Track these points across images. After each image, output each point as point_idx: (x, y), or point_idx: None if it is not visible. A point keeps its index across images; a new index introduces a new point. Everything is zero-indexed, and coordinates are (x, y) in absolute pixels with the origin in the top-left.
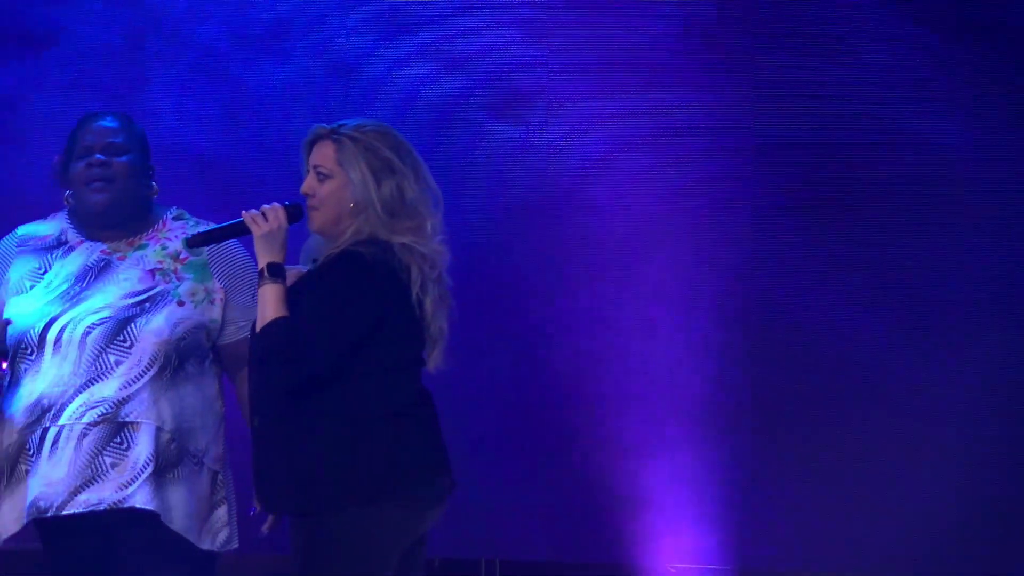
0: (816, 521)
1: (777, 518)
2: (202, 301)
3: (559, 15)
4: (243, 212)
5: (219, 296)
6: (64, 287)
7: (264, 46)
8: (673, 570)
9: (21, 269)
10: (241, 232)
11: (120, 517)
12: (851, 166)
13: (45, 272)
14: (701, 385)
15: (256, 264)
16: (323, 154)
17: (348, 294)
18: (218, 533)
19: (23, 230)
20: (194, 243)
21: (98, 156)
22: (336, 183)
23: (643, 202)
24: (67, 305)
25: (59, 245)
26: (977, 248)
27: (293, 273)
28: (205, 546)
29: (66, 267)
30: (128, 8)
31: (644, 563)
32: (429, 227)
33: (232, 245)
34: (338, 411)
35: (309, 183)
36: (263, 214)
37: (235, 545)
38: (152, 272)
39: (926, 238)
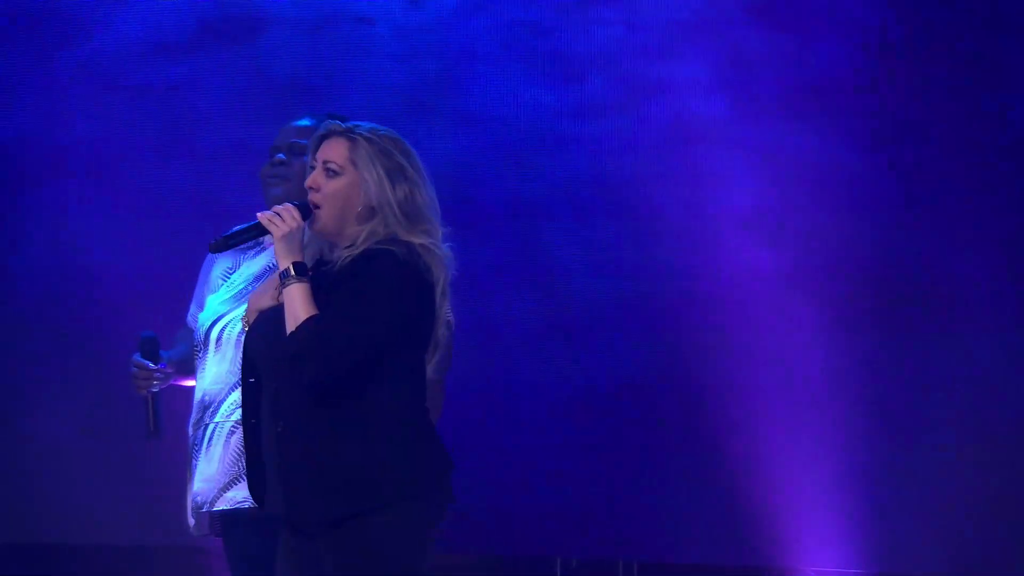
0: (962, 526)
1: (921, 522)
2: None
3: None
4: (258, 214)
5: None
6: (242, 287)
7: None
8: (813, 575)
9: (218, 269)
10: (261, 233)
11: (266, 515)
12: None
13: (233, 272)
14: (848, 389)
15: None
16: (335, 150)
17: (386, 293)
18: None
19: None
20: (216, 248)
21: (279, 156)
22: (344, 181)
23: None
24: (235, 304)
25: (255, 246)
26: None
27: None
28: None
29: (251, 268)
30: None
31: (783, 566)
32: (439, 233)
33: None
34: (377, 411)
35: (316, 177)
36: (278, 214)
37: None
38: None
39: None
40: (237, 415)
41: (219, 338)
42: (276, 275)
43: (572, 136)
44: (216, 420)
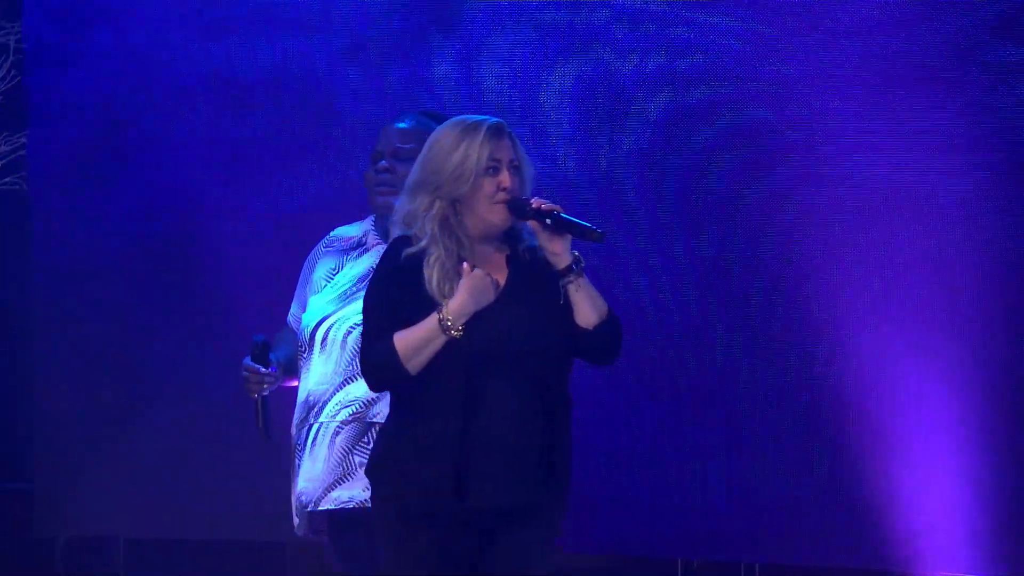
0: None
1: None
2: None
3: None
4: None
5: None
6: (346, 287)
7: None
8: None
9: (322, 269)
10: (582, 234)
11: (371, 515)
12: None
13: (338, 272)
14: (962, 391)
15: None
16: (510, 149)
17: None
18: None
19: (335, 231)
20: (555, 227)
21: (382, 163)
22: (519, 178)
23: None
24: (340, 305)
25: (358, 247)
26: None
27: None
28: None
29: (355, 268)
30: None
31: (907, 570)
32: None
33: None
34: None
35: (509, 178)
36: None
37: None
38: None
39: None
40: (343, 415)
41: (324, 339)
42: (483, 276)
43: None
44: (321, 420)
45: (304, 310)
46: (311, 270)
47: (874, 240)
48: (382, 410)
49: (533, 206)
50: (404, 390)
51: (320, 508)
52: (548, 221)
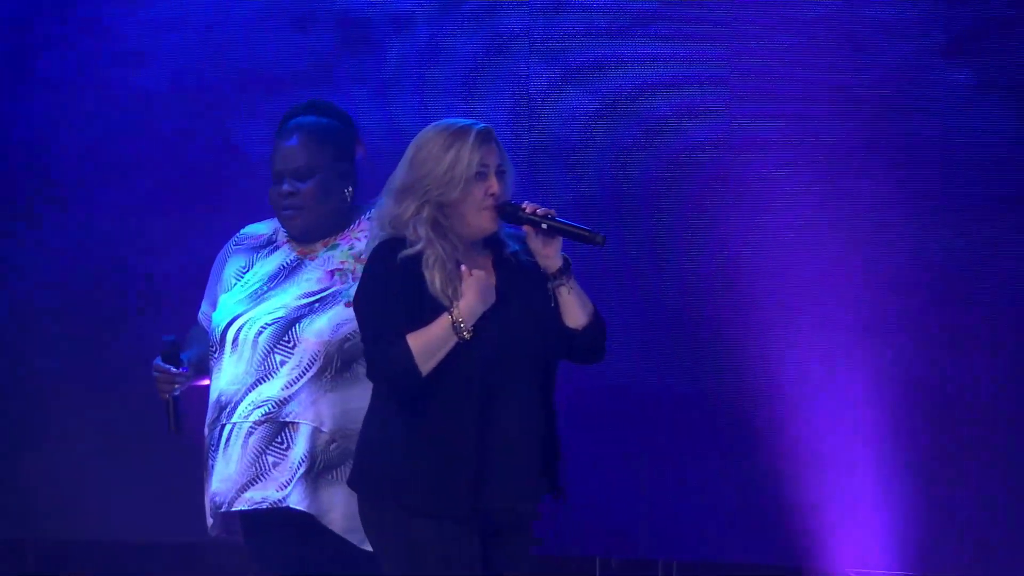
0: (997, 528)
1: (963, 524)
2: None
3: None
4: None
5: None
6: (256, 286)
7: None
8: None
9: (232, 267)
10: (581, 238)
11: (285, 516)
12: None
13: (248, 270)
14: (884, 389)
15: None
16: (496, 154)
17: None
18: None
19: (245, 229)
20: (550, 232)
21: (285, 186)
22: (503, 183)
23: None
24: (251, 305)
25: (268, 244)
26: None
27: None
28: (370, 548)
29: (265, 266)
30: None
31: (823, 567)
32: None
33: None
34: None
35: (497, 183)
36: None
37: None
38: (332, 272)
39: None
40: (255, 415)
41: (236, 338)
42: (484, 277)
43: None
44: (234, 421)
45: (215, 308)
46: (221, 268)
47: (790, 244)
48: (295, 410)
49: (527, 211)
50: (416, 395)
51: (234, 509)
52: (544, 226)
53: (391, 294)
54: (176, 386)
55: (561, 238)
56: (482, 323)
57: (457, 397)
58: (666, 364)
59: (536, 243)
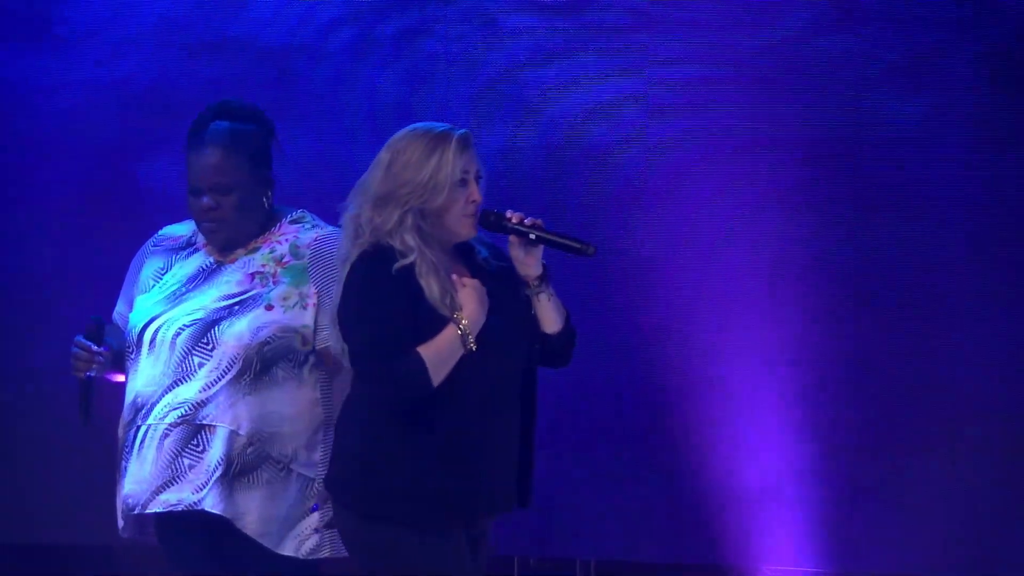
0: (934, 526)
1: (876, 523)
2: (294, 306)
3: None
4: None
5: (312, 301)
6: (174, 288)
7: None
8: (768, 572)
9: (150, 268)
10: (572, 250)
11: (200, 518)
12: None
13: (166, 272)
14: (801, 388)
15: None
16: (476, 159)
17: None
18: (305, 540)
19: (164, 230)
20: (538, 242)
21: (205, 200)
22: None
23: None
24: (169, 306)
25: (187, 246)
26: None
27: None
28: (286, 552)
29: (184, 268)
30: None
31: (739, 564)
32: None
33: (332, 249)
34: None
35: (478, 190)
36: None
37: (326, 553)
38: (252, 275)
39: None
40: (171, 417)
41: (153, 339)
42: (479, 285)
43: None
44: (149, 422)
45: (131, 309)
46: (139, 269)
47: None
48: (212, 412)
49: (513, 221)
50: (418, 404)
51: (148, 511)
52: (532, 237)
53: (390, 306)
54: (94, 366)
55: (543, 246)
56: (482, 332)
57: (455, 407)
58: (583, 359)
59: (518, 252)
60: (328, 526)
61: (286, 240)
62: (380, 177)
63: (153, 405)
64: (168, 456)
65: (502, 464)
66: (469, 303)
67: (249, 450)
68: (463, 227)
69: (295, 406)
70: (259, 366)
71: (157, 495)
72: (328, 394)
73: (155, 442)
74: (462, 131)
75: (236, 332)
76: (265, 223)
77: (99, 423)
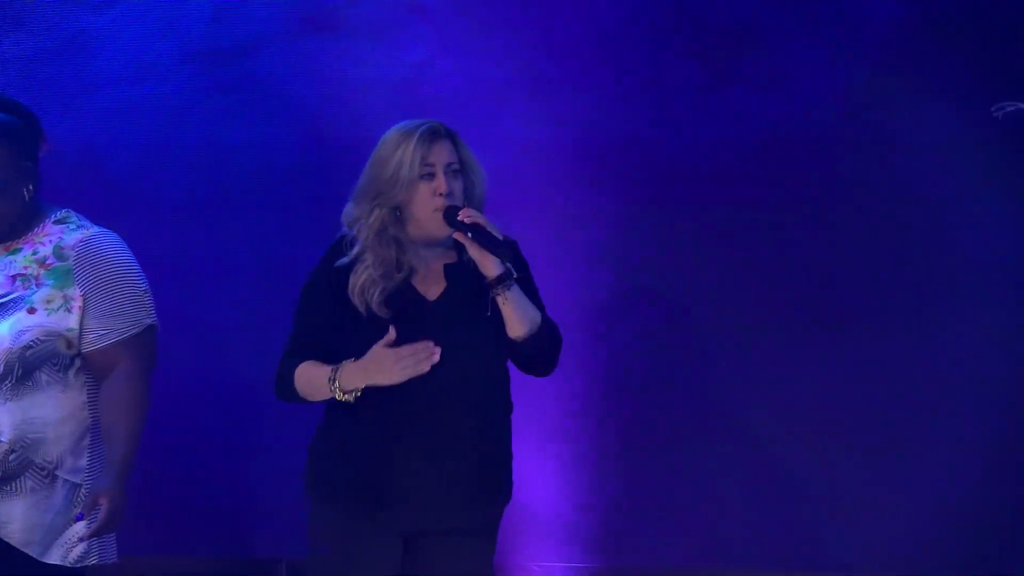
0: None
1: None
2: (58, 308)
3: None
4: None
5: (77, 304)
6: None
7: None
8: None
9: None
10: (493, 251)
11: None
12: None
13: None
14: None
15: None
16: (450, 152)
17: None
18: (72, 548)
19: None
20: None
21: None
22: (461, 183)
23: None
24: None
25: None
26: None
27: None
28: (52, 561)
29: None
30: None
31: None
32: None
33: (98, 250)
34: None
35: (447, 182)
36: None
37: (94, 560)
38: (14, 277)
39: None
40: None
41: None
42: (407, 355)
43: None
44: None
45: None
46: None
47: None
48: None
49: (459, 217)
50: (366, 401)
51: None
52: (470, 235)
53: (316, 301)
54: None
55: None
56: (424, 336)
57: (394, 409)
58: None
59: (473, 250)
60: (94, 534)
61: (49, 241)
62: (364, 172)
63: None
64: None
65: (438, 469)
66: (361, 362)
67: (12, 457)
68: (432, 223)
69: (60, 411)
70: (20, 371)
71: None
72: (95, 398)
73: None
74: (430, 123)
75: None
76: (27, 220)
77: None
